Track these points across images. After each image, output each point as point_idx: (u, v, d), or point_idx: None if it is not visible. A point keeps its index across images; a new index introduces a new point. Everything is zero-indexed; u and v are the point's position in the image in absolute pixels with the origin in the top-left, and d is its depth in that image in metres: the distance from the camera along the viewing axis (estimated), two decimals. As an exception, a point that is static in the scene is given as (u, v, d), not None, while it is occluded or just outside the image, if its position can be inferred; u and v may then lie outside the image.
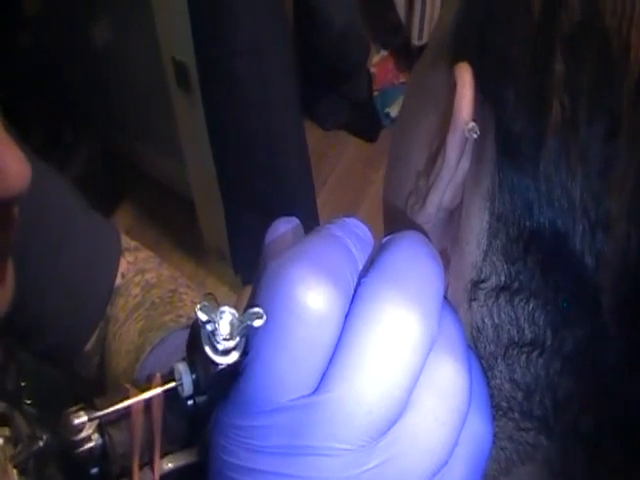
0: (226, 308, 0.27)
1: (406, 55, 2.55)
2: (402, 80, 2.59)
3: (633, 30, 0.27)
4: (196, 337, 0.28)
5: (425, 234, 0.35)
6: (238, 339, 0.27)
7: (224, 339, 0.27)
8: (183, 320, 0.75)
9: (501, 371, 0.33)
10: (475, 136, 0.32)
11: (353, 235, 0.31)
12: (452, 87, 0.32)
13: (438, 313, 0.29)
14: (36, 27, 2.07)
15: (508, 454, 0.35)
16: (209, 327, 0.27)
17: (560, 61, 0.28)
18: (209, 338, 0.27)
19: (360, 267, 0.31)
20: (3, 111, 0.44)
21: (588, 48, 0.27)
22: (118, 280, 0.77)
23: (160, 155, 2.38)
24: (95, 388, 0.80)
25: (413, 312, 0.28)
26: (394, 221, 0.38)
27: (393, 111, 2.58)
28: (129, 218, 2.42)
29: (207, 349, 0.27)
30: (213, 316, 0.27)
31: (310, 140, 1.90)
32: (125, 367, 0.73)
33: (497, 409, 0.34)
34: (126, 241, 0.81)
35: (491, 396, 0.33)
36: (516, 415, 0.33)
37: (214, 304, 0.27)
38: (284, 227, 0.35)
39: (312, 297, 0.28)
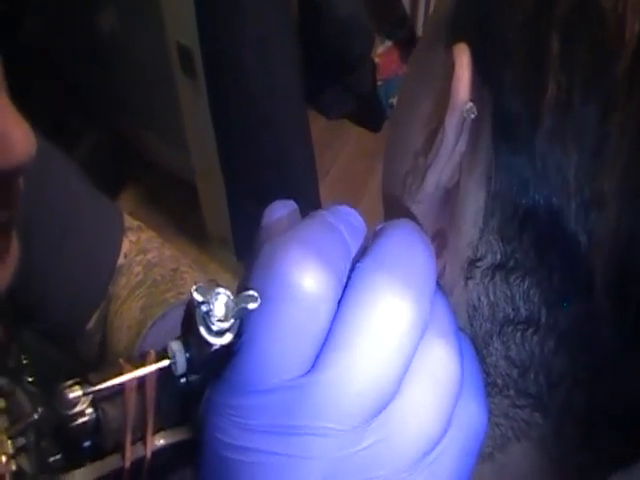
0: (221, 290, 0.28)
1: (411, 46, 2.54)
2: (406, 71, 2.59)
3: (628, 11, 0.27)
4: (191, 317, 0.28)
5: (418, 221, 0.35)
6: (232, 321, 0.28)
7: (218, 320, 0.28)
8: (184, 297, 0.76)
9: (497, 348, 0.33)
10: (473, 116, 0.32)
11: (346, 222, 0.32)
12: (450, 68, 0.32)
13: (430, 299, 0.30)
14: (41, 13, 2.07)
15: (503, 430, 0.35)
16: (204, 308, 0.28)
17: (556, 41, 0.28)
18: (204, 319, 0.28)
19: (353, 253, 0.31)
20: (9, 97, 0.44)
21: (583, 29, 0.28)
22: (121, 260, 0.77)
23: (164, 141, 2.38)
24: (95, 367, 0.81)
25: (406, 298, 0.29)
26: (391, 206, 0.39)
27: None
28: (132, 203, 2.42)
29: (201, 329, 0.28)
30: (208, 297, 0.28)
31: (314, 130, 1.90)
32: (126, 343, 0.74)
33: (493, 386, 0.34)
34: (129, 221, 0.81)
35: (487, 373, 0.34)
36: (511, 392, 0.34)
37: (210, 285, 0.28)
38: (281, 211, 0.35)
39: (306, 280, 0.28)
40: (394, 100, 2.58)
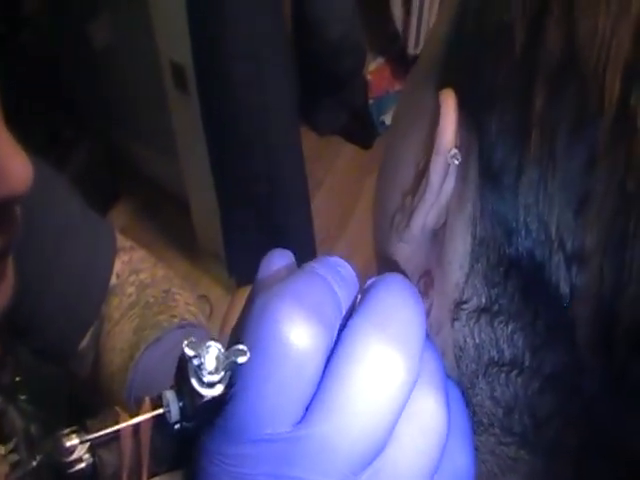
0: (212, 343, 0.29)
1: (402, 63, 2.55)
2: (397, 88, 2.60)
3: (608, 73, 0.27)
4: (183, 370, 0.29)
5: (400, 267, 0.36)
6: (223, 373, 0.29)
7: (209, 373, 0.29)
8: (176, 320, 0.76)
9: (482, 388, 0.34)
10: (457, 162, 0.32)
11: (337, 275, 0.33)
12: (437, 111, 0.32)
13: (420, 352, 0.31)
14: (35, 26, 2.07)
15: (489, 467, 0.36)
16: (195, 362, 0.29)
17: (540, 97, 0.29)
18: (195, 372, 0.29)
19: (343, 306, 0.32)
20: (3, 109, 0.44)
21: (567, 87, 0.28)
22: (113, 280, 0.78)
23: (157, 155, 2.39)
24: (89, 386, 0.81)
25: (398, 352, 0.30)
26: (379, 243, 0.39)
27: (388, 119, 2.59)
28: (125, 217, 2.42)
29: (193, 381, 0.29)
30: (199, 351, 0.29)
31: (306, 145, 1.91)
32: (119, 364, 0.74)
33: (479, 424, 0.35)
34: (121, 240, 0.81)
35: (473, 412, 0.34)
36: (497, 430, 0.34)
37: (200, 342, 0.29)
38: (278, 262, 0.36)
39: (296, 333, 0.29)
40: (385, 117, 2.59)
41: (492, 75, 0.31)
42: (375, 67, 2.60)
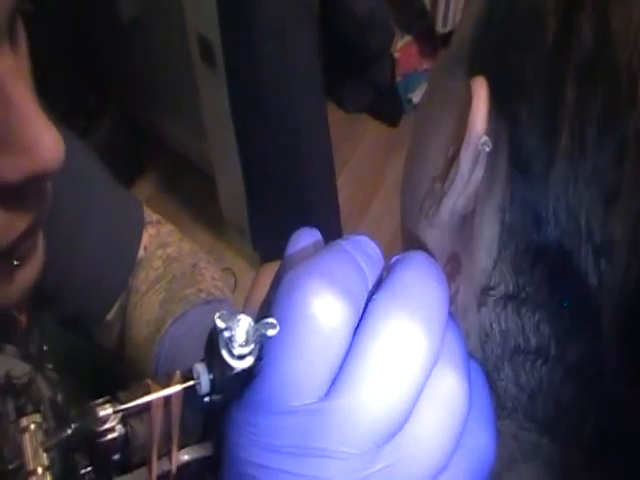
0: (242, 316, 0.29)
1: (430, 41, 2.53)
2: (425, 66, 2.58)
3: None
4: (214, 342, 0.30)
5: (429, 249, 0.36)
6: (253, 345, 0.29)
7: (240, 345, 0.29)
8: (203, 295, 0.77)
9: (507, 374, 0.34)
10: (488, 149, 0.32)
11: (364, 253, 0.33)
12: (468, 99, 0.33)
13: (442, 329, 0.31)
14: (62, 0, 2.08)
15: (511, 451, 0.36)
16: (226, 334, 0.29)
17: (571, 88, 0.29)
18: (226, 344, 0.29)
19: (370, 283, 0.32)
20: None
21: (599, 78, 0.28)
22: (140, 253, 0.79)
23: (183, 129, 2.39)
24: (115, 356, 0.83)
25: (420, 328, 0.30)
26: (408, 227, 0.39)
27: (415, 97, 2.57)
28: (150, 189, 2.44)
29: (224, 353, 0.29)
30: (230, 323, 0.29)
31: (332, 122, 1.90)
32: (146, 336, 0.75)
33: (502, 409, 0.35)
34: (149, 214, 0.83)
35: (497, 396, 0.35)
36: (520, 416, 0.35)
37: (231, 315, 0.29)
38: (305, 240, 0.37)
39: (324, 308, 0.30)
40: (412, 95, 2.57)
41: (522, 64, 0.31)
42: (403, 45, 2.58)
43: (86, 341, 0.85)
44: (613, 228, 0.28)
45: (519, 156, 0.31)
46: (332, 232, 2.04)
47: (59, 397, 0.68)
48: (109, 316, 0.79)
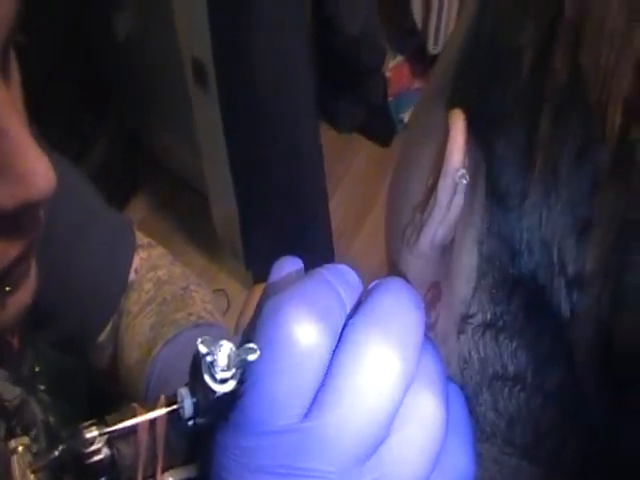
0: (224, 342, 0.30)
1: (422, 61, 2.54)
2: (417, 86, 2.59)
3: (610, 103, 0.28)
4: (197, 367, 0.31)
5: (409, 277, 0.37)
6: (235, 370, 0.30)
7: (222, 370, 0.30)
8: (193, 318, 0.78)
9: (485, 400, 0.35)
10: (465, 182, 0.33)
11: (343, 281, 0.34)
12: (447, 131, 0.33)
13: (417, 353, 0.32)
14: (58, 16, 2.08)
15: (492, 474, 0.36)
16: (209, 358, 0.30)
17: (546, 122, 0.29)
18: (208, 368, 0.30)
19: (348, 310, 0.33)
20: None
21: (572, 113, 0.29)
22: (132, 275, 0.79)
23: (176, 148, 2.40)
24: (108, 378, 0.83)
25: (394, 351, 0.31)
26: (391, 253, 0.40)
27: (407, 117, 2.58)
28: (143, 209, 2.43)
29: (206, 378, 0.30)
30: (212, 349, 0.30)
31: (325, 142, 1.91)
32: (137, 358, 0.76)
33: (482, 433, 0.35)
34: (140, 237, 0.83)
35: (476, 420, 0.35)
36: (499, 441, 0.35)
37: (213, 340, 0.30)
38: (287, 268, 0.38)
39: (303, 332, 0.31)
40: (404, 115, 2.58)
41: (500, 98, 0.32)
42: (394, 64, 2.59)
43: (80, 363, 0.86)
44: (585, 261, 0.28)
45: (495, 188, 0.31)
46: (325, 252, 2.04)
47: (51, 419, 0.69)
48: (102, 337, 0.79)
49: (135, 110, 2.44)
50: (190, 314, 0.78)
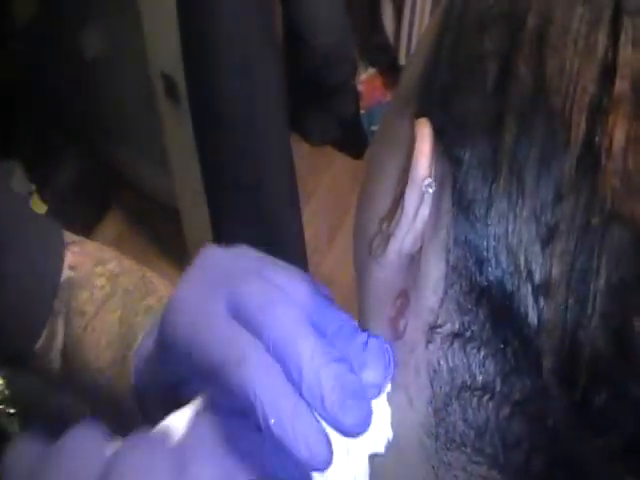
0: None
1: (394, 74, 2.56)
2: (389, 99, 2.60)
3: (574, 110, 0.29)
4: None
5: (377, 290, 0.37)
6: None
7: None
8: (165, 301, 0.71)
9: (455, 410, 0.34)
10: (431, 191, 0.33)
11: None
12: (412, 140, 0.33)
13: None
14: (26, 37, 2.07)
15: None
16: None
17: (509, 130, 0.30)
18: None
19: None
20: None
21: (535, 122, 0.29)
22: (70, 273, 0.74)
23: (148, 166, 2.39)
24: (61, 384, 0.79)
25: None
26: (358, 265, 0.40)
27: (379, 129, 2.59)
28: (116, 227, 2.42)
29: None
30: None
31: (297, 155, 1.91)
32: (110, 359, 0.70)
33: (451, 442, 0.35)
34: (69, 236, 0.78)
35: (446, 431, 0.35)
36: (468, 450, 0.35)
37: None
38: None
39: None
40: (376, 127, 2.58)
41: (464, 107, 0.32)
42: (366, 77, 2.60)
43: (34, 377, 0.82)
44: (551, 268, 0.29)
45: (462, 197, 0.32)
46: (298, 265, 2.03)
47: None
48: (39, 344, 0.74)
49: (105, 129, 2.43)
50: (162, 297, 0.72)
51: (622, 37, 0.28)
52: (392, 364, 0.37)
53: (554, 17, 0.29)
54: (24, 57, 2.08)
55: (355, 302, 0.41)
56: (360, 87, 2.58)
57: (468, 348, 0.33)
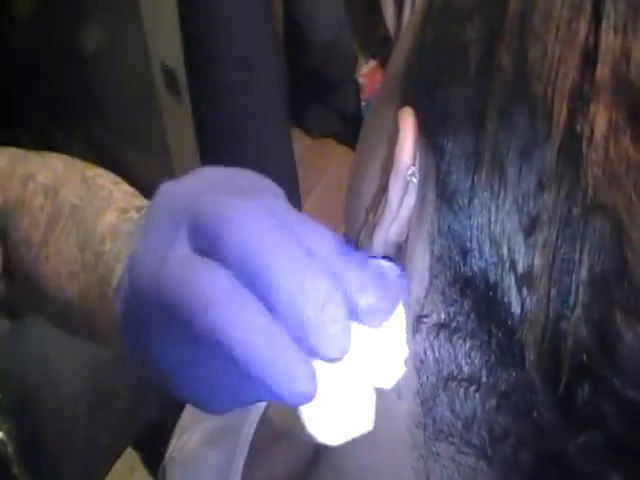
0: None
1: (394, 66, 2.55)
2: (390, 91, 2.60)
3: (556, 97, 0.29)
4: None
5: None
6: None
7: None
8: (134, 215, 0.59)
9: (442, 401, 0.35)
10: (415, 180, 0.33)
11: None
12: (396, 131, 0.34)
13: None
14: (25, 30, 2.07)
15: (450, 472, 0.36)
16: None
17: (491, 120, 0.30)
18: None
19: None
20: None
21: (517, 111, 0.29)
22: None
23: (148, 159, 2.38)
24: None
25: None
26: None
27: (380, 122, 2.58)
28: (117, 220, 2.41)
29: None
30: None
31: (298, 148, 1.91)
32: (79, 290, 0.58)
33: (439, 433, 0.35)
34: None
35: (434, 421, 0.35)
36: (456, 440, 0.35)
37: None
38: None
39: None
40: (375, 120, 2.59)
41: (447, 97, 0.32)
42: (368, 70, 2.59)
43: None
44: (534, 258, 0.29)
45: (445, 187, 0.32)
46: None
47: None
48: None
49: (105, 123, 2.42)
50: (124, 210, 0.59)
51: (604, 23, 0.28)
52: (398, 294, 0.33)
53: (537, 3, 0.29)
54: (24, 51, 2.08)
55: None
56: (361, 80, 2.57)
57: (454, 339, 0.33)
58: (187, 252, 0.33)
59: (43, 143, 2.14)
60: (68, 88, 2.26)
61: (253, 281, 0.30)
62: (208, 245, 0.32)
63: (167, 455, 0.58)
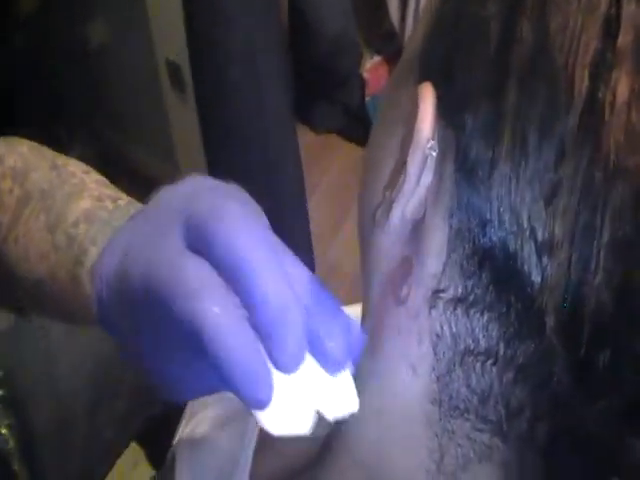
0: None
1: (399, 61, 2.56)
2: (394, 86, 2.60)
3: (577, 66, 0.29)
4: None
5: (379, 257, 0.37)
6: None
7: None
8: (108, 204, 0.56)
9: (459, 376, 0.34)
10: (434, 154, 0.33)
11: None
12: (415, 105, 0.34)
13: None
14: (31, 27, 2.07)
15: (465, 451, 0.36)
16: None
17: (512, 92, 0.30)
18: None
19: None
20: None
21: (538, 81, 0.30)
22: None
23: (153, 155, 2.39)
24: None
25: None
26: (362, 232, 0.40)
27: (384, 117, 2.59)
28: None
29: None
30: None
31: (303, 143, 1.91)
32: (49, 270, 0.55)
33: (455, 409, 0.35)
34: None
35: (450, 397, 0.35)
36: (472, 417, 0.35)
37: None
38: None
39: None
40: (382, 115, 2.59)
41: (467, 72, 0.33)
42: (372, 65, 2.60)
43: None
44: (554, 225, 0.29)
45: (465, 160, 0.32)
46: (304, 255, 2.04)
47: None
48: None
49: (109, 119, 2.43)
50: (98, 199, 0.57)
51: None
52: (358, 351, 0.34)
53: None
54: (29, 48, 2.08)
55: (360, 291, 0.41)
56: (366, 75, 2.58)
57: (471, 312, 0.33)
58: (180, 245, 0.34)
59: (46, 140, 2.14)
60: (72, 84, 2.26)
61: (234, 279, 0.32)
62: (200, 243, 0.34)
63: (176, 439, 0.58)
